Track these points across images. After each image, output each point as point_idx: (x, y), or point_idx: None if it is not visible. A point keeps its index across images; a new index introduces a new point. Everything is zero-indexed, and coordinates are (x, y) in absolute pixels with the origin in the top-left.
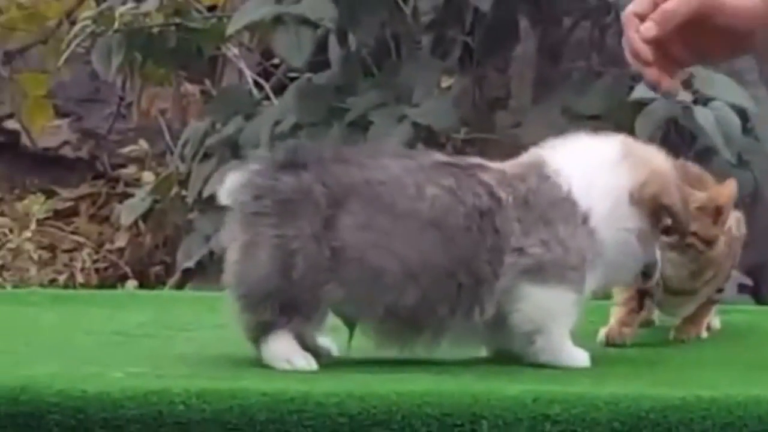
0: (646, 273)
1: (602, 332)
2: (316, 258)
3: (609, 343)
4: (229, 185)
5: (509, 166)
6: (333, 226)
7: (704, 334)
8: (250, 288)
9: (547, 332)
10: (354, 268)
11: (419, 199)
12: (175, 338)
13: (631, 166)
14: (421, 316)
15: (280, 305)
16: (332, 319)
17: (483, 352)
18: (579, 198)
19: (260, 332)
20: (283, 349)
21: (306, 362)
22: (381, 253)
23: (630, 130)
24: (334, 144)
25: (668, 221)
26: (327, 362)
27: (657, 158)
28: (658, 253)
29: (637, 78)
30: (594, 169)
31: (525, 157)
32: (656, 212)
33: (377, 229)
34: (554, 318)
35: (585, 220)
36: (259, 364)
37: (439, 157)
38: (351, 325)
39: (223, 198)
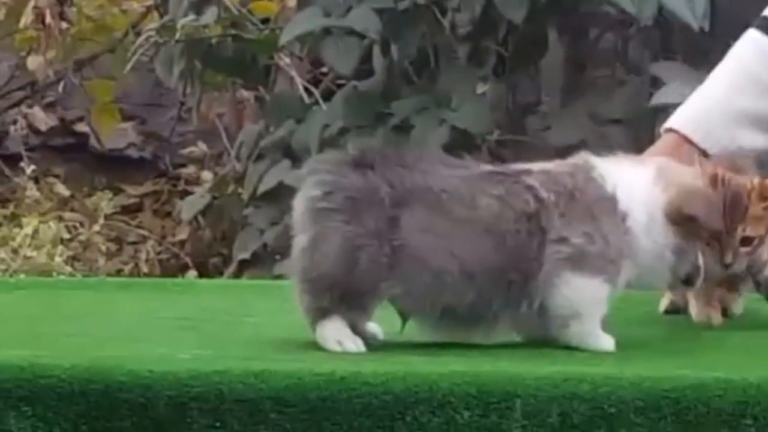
0: (688, 280)
1: (663, 303)
2: (378, 254)
3: (698, 322)
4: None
5: (556, 165)
6: (396, 225)
7: (719, 320)
8: (315, 275)
9: (581, 318)
10: (414, 266)
11: (474, 207)
12: (234, 323)
13: (663, 188)
14: (476, 313)
15: (340, 294)
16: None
17: (516, 338)
18: (621, 199)
19: (318, 316)
20: (335, 333)
21: (355, 345)
22: (440, 255)
23: (651, 133)
24: (396, 149)
25: (700, 229)
26: (374, 346)
27: (686, 178)
28: (701, 260)
29: (657, 85)
30: (635, 181)
31: (573, 159)
32: (685, 224)
33: (437, 233)
34: (589, 305)
35: (624, 219)
36: (311, 346)
37: (487, 166)
38: (404, 317)
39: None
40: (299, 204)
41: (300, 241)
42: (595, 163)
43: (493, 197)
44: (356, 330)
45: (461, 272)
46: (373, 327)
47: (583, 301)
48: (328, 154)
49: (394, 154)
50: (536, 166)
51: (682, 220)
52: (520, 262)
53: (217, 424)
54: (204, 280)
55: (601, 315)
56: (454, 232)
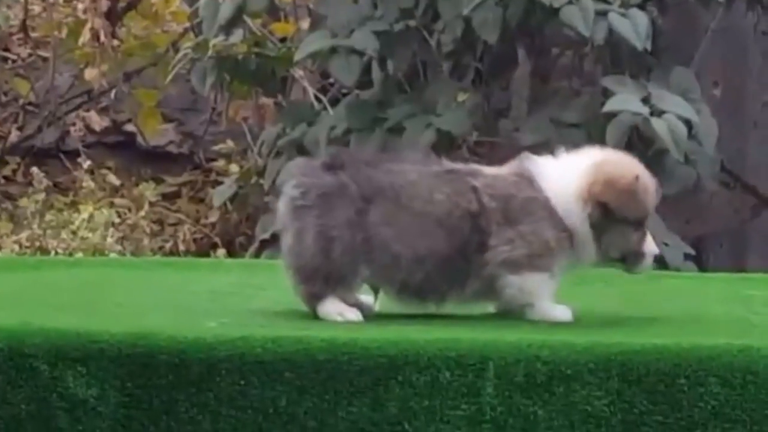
0: (624, 262)
1: None
2: (351, 242)
3: None
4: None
5: (502, 168)
6: (364, 217)
7: None
8: (302, 265)
9: (531, 305)
10: (378, 251)
11: (429, 202)
12: (255, 296)
13: (588, 177)
14: (426, 290)
15: (324, 279)
16: None
17: (491, 309)
18: (551, 196)
19: (314, 300)
20: (335, 308)
21: (355, 315)
22: (398, 242)
23: (602, 136)
24: (369, 150)
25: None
26: (369, 316)
27: (616, 167)
28: (646, 244)
29: (607, 95)
30: (566, 175)
31: (516, 162)
32: (599, 209)
33: (397, 224)
34: (535, 295)
35: (553, 213)
36: (316, 317)
37: (446, 164)
38: (375, 290)
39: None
40: (282, 205)
41: (286, 238)
42: (532, 165)
43: (444, 194)
44: (349, 304)
45: (414, 257)
46: (368, 300)
47: (528, 294)
48: (302, 160)
49: (362, 155)
50: (487, 169)
51: (594, 205)
52: (463, 253)
53: (242, 382)
54: (229, 260)
55: (549, 294)
56: (411, 223)
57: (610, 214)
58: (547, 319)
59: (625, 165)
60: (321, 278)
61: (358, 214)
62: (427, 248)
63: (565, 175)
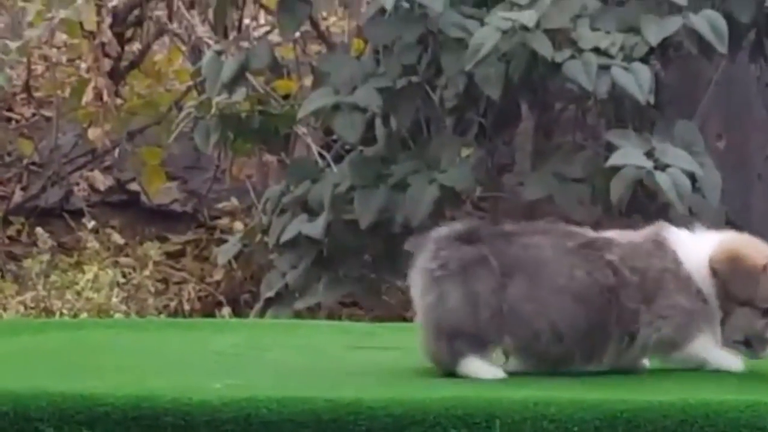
0: (747, 343)
1: None
2: (497, 310)
3: None
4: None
5: (635, 238)
6: (504, 290)
7: None
8: (445, 325)
9: (703, 364)
10: (519, 328)
11: (567, 278)
12: (260, 356)
13: (717, 248)
14: (564, 362)
15: (469, 338)
16: None
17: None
18: (691, 271)
19: (456, 357)
20: (479, 365)
21: (501, 373)
22: (539, 319)
23: (606, 191)
24: (502, 221)
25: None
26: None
27: (742, 246)
28: (762, 326)
29: (611, 149)
30: (699, 250)
31: (649, 231)
32: (718, 281)
33: (537, 300)
34: (699, 357)
35: (691, 284)
36: (320, 376)
37: (579, 236)
38: (507, 355)
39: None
40: (417, 276)
41: (425, 301)
42: (669, 234)
43: (581, 270)
44: None
45: (553, 333)
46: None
47: (695, 359)
48: (437, 232)
49: (497, 228)
50: (621, 237)
51: (714, 276)
52: (602, 327)
53: None
54: (234, 320)
55: (713, 346)
56: (550, 299)
57: (731, 294)
58: (722, 369)
59: (757, 249)
60: (466, 337)
61: (499, 287)
62: (566, 324)
63: (700, 247)
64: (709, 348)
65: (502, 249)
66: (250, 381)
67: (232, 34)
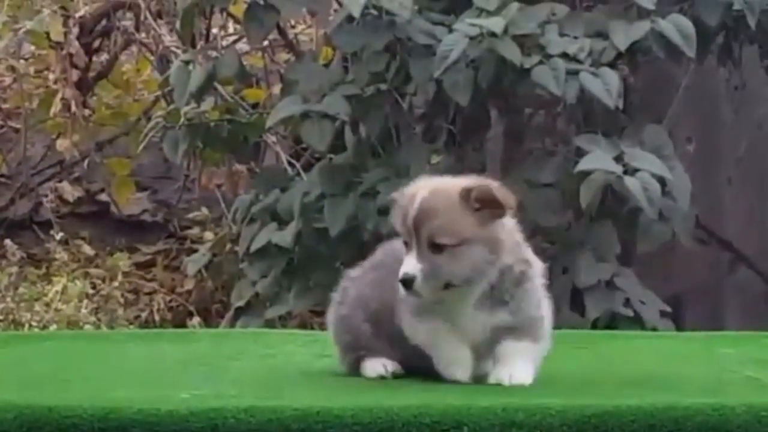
0: None
1: None
2: None
3: None
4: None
5: None
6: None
7: None
8: None
9: None
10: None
11: None
12: (227, 366)
13: None
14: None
15: None
16: None
17: None
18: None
19: None
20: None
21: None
22: None
23: (576, 196)
24: None
25: None
26: (344, 383)
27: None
28: None
29: (581, 154)
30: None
31: None
32: None
33: None
34: None
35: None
36: (289, 384)
37: None
38: None
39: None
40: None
41: None
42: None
43: None
44: None
45: None
46: None
47: None
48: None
49: None
50: None
51: None
52: None
53: None
54: (200, 330)
55: None
56: None
57: None
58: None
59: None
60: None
61: None
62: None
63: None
64: None
65: None
66: (217, 391)
67: (200, 44)
